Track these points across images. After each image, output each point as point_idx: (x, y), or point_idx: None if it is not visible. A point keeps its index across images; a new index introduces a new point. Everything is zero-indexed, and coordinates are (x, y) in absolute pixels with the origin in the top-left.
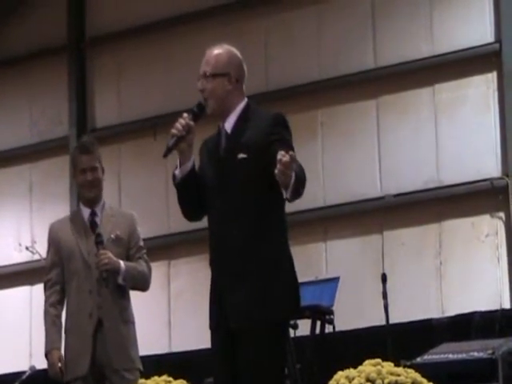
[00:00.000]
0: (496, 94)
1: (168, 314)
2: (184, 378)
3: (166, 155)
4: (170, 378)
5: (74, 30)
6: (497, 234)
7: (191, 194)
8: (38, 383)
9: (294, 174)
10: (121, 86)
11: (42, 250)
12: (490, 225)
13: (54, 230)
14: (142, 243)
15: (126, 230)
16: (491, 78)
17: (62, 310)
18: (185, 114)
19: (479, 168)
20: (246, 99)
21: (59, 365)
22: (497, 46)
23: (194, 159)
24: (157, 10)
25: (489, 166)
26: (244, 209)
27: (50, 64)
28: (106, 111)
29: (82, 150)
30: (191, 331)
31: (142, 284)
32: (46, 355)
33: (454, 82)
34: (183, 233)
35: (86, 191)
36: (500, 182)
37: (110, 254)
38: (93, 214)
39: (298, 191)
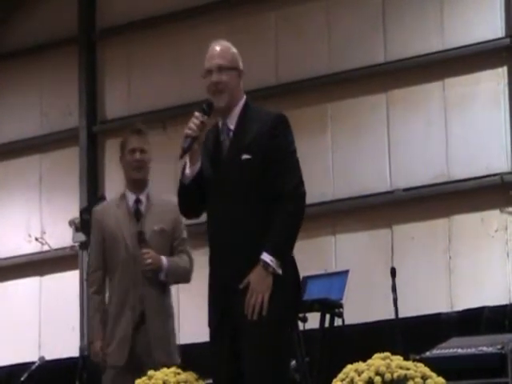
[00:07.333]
0: (506, 88)
1: (177, 306)
2: (193, 370)
3: (182, 156)
4: (179, 370)
5: (84, 22)
6: (506, 229)
7: (197, 192)
8: (47, 374)
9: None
10: (131, 77)
11: (51, 240)
12: (499, 220)
13: (98, 215)
14: (185, 235)
15: (171, 222)
16: (501, 72)
17: (105, 294)
18: (196, 113)
19: (489, 163)
20: (245, 96)
21: (101, 355)
22: (507, 40)
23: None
24: (167, 3)
25: (498, 161)
26: (247, 208)
27: (61, 55)
28: (115, 103)
29: (133, 130)
30: (200, 323)
31: (183, 278)
32: (90, 344)
33: (464, 77)
34: (191, 225)
35: (134, 171)
36: (509, 177)
37: (152, 253)
38: (137, 202)
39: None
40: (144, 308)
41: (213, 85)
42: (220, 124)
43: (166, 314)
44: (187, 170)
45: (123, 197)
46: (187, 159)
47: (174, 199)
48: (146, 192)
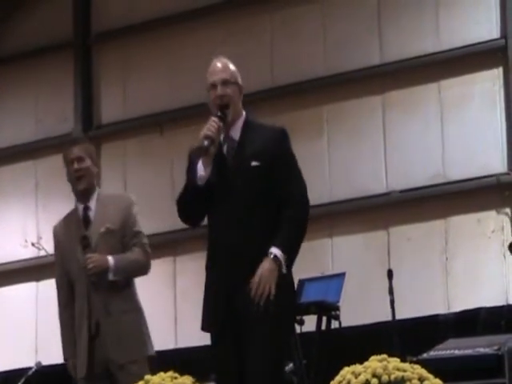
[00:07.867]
0: (502, 89)
1: (174, 310)
2: (190, 374)
3: (202, 155)
4: (176, 374)
5: (79, 26)
6: (503, 229)
7: (206, 196)
8: (44, 379)
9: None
10: (126, 82)
11: (47, 246)
12: (496, 221)
13: (55, 230)
14: (137, 228)
15: (119, 219)
16: (497, 73)
17: (73, 309)
18: (214, 118)
19: (485, 164)
20: (244, 112)
21: (73, 370)
22: (503, 41)
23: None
24: (163, 6)
25: (495, 162)
26: (252, 213)
27: (56, 60)
28: (111, 107)
29: (70, 143)
30: (197, 327)
31: (138, 271)
32: (65, 361)
33: (459, 78)
34: (189, 229)
35: (76, 183)
36: (506, 178)
37: (95, 257)
38: (86, 209)
39: None
40: (98, 316)
41: (218, 98)
42: (221, 137)
43: (126, 311)
44: (202, 172)
45: (75, 209)
46: (200, 161)
47: (125, 194)
48: (95, 197)
